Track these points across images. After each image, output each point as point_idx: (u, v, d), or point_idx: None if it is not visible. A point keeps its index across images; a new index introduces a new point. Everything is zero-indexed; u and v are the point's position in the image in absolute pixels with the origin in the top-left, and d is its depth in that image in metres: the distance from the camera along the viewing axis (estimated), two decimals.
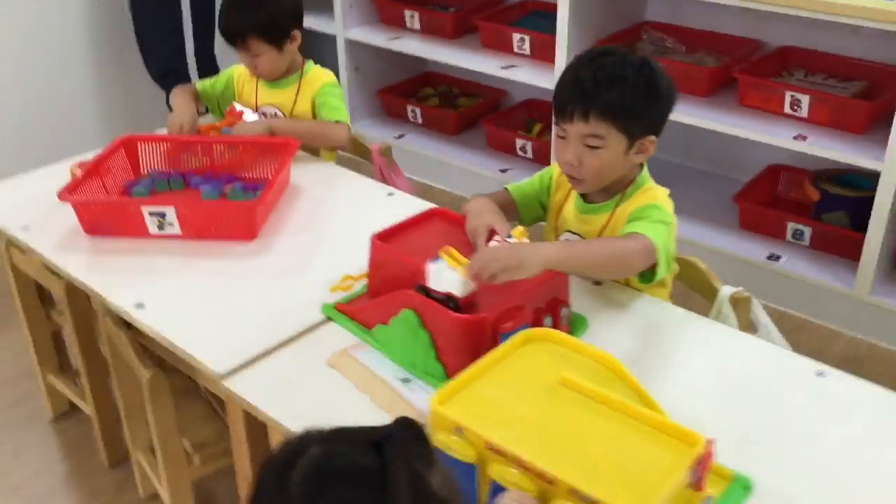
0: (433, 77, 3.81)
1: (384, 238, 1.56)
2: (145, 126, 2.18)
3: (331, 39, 3.55)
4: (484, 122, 3.42)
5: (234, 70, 2.32)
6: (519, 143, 3.30)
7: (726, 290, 1.69)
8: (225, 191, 1.95)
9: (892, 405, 1.34)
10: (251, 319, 1.57)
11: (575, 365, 1.24)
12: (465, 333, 1.35)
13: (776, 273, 2.65)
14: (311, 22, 3.61)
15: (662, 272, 1.52)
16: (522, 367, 1.25)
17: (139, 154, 2.06)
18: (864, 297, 2.52)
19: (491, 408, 1.17)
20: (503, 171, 3.27)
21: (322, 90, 2.18)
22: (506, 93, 3.57)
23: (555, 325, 1.44)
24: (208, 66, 3.27)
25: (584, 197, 1.66)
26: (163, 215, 1.79)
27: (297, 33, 2.15)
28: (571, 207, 1.68)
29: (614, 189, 1.62)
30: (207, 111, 2.36)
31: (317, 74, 2.21)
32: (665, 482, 1.03)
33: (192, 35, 3.30)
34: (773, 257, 2.69)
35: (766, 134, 2.60)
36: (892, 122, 2.31)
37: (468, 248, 1.52)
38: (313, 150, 2.23)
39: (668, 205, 1.61)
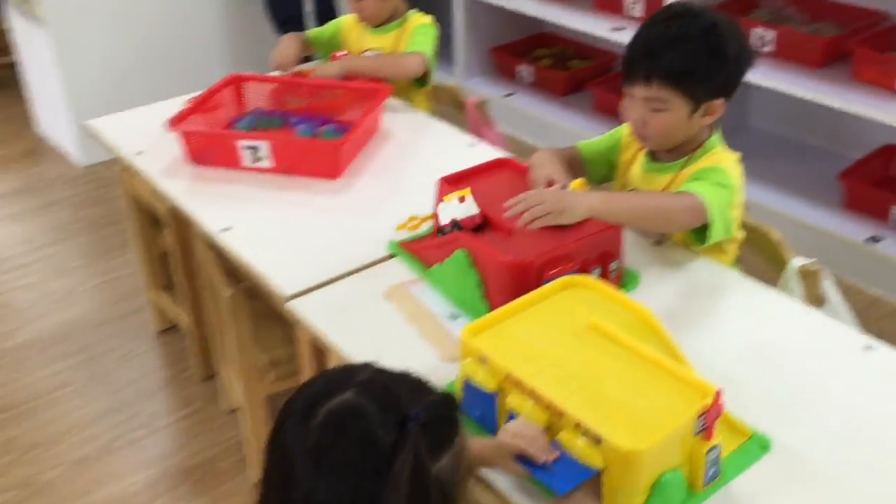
0: (549, 38, 3.81)
1: (450, 182, 1.63)
2: (264, 70, 2.33)
3: None
4: (592, 84, 3.41)
5: (343, 19, 2.43)
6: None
7: (796, 262, 1.67)
8: (319, 131, 2.06)
9: None
10: (322, 250, 1.68)
11: (610, 313, 1.28)
12: (511, 276, 1.41)
13: (874, 256, 2.55)
14: None
15: (718, 234, 1.51)
16: (557, 309, 1.30)
17: (245, 92, 2.20)
18: None
19: (518, 343, 1.23)
20: None
21: (414, 30, 2.26)
22: (616, 56, 3.53)
23: (603, 277, 1.47)
24: (327, 17, 3.40)
25: (652, 156, 1.67)
26: (256, 149, 1.92)
27: None
28: (638, 166, 1.69)
29: (682, 150, 1.63)
30: (318, 57, 2.49)
31: (416, 19, 2.29)
32: (666, 425, 1.07)
33: None
34: (874, 239, 2.59)
35: (881, 111, 2.49)
36: None
37: None
38: (408, 98, 2.31)
39: (732, 169, 1.60)
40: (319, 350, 1.57)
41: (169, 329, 2.52)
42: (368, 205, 1.84)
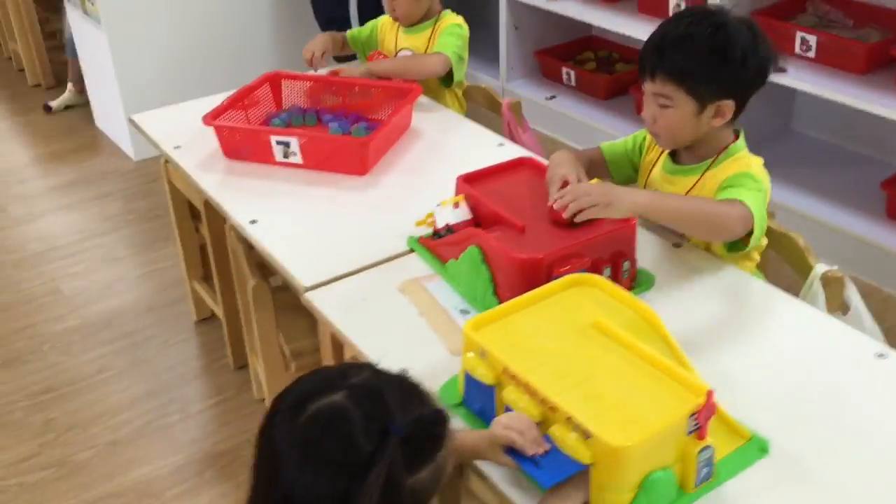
0: (595, 41, 3.80)
1: (468, 180, 1.65)
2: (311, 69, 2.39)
3: None
4: (635, 88, 3.39)
5: (381, 19, 2.47)
6: None
7: (820, 268, 1.65)
8: (350, 129, 2.11)
9: None
10: (344, 244, 1.72)
11: (615, 313, 1.29)
12: (521, 272, 1.43)
13: None
14: None
15: (756, 240, 1.51)
16: (562, 306, 1.31)
17: (283, 90, 2.26)
18: None
19: (519, 338, 1.25)
20: None
21: (444, 30, 2.28)
22: None
23: (615, 277, 1.48)
24: (370, 17, 3.45)
25: (674, 159, 1.67)
26: (287, 144, 1.97)
27: None
28: (660, 168, 1.69)
29: (704, 153, 1.62)
30: (357, 57, 2.53)
31: (448, 19, 2.31)
32: (657, 423, 1.07)
33: None
34: None
35: None
36: None
37: (546, 196, 1.58)
38: (439, 98, 2.34)
39: (762, 174, 1.59)
40: (339, 342, 1.61)
41: (207, 318, 2.59)
42: (393, 201, 1.88)
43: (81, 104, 4.00)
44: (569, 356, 1.21)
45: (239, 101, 2.13)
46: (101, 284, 2.81)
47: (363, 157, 1.95)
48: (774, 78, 2.62)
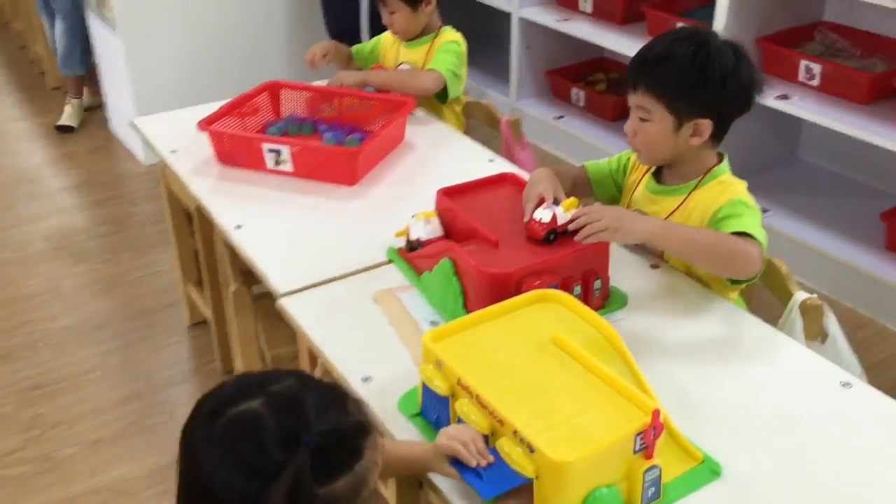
0: (606, 63, 3.81)
1: (448, 193, 1.66)
2: (317, 79, 2.41)
3: (506, 17, 3.66)
4: None
5: (384, 35, 2.50)
6: None
7: (800, 296, 1.64)
8: (345, 139, 2.12)
9: None
10: (325, 252, 1.73)
11: (577, 330, 1.29)
12: (490, 286, 1.43)
13: None
14: None
15: (759, 274, 1.50)
16: (524, 321, 1.32)
17: (282, 99, 2.29)
18: None
19: (477, 351, 1.25)
20: None
21: (441, 46, 2.30)
22: None
23: (585, 295, 1.48)
24: (379, 32, 3.48)
25: (657, 179, 1.67)
26: (278, 152, 1.99)
27: None
28: (643, 188, 1.69)
29: (687, 174, 1.62)
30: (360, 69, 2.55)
31: (446, 35, 2.33)
32: (601, 440, 1.07)
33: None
34: None
35: None
36: None
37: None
38: (436, 112, 2.35)
39: (751, 199, 1.59)
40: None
41: (201, 323, 2.60)
42: (378, 212, 1.89)
43: (95, 106, 4.04)
44: (524, 370, 1.21)
45: (236, 108, 2.16)
46: (101, 285, 2.84)
47: (352, 167, 1.96)
48: (778, 105, 2.65)
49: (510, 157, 2.32)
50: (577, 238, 1.47)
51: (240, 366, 2.06)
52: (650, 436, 1.08)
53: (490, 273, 1.43)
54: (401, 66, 2.39)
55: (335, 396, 0.94)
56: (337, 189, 1.97)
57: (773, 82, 2.74)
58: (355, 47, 2.52)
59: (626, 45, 3.20)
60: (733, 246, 1.46)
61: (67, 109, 3.95)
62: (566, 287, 1.45)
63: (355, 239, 1.77)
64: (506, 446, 1.09)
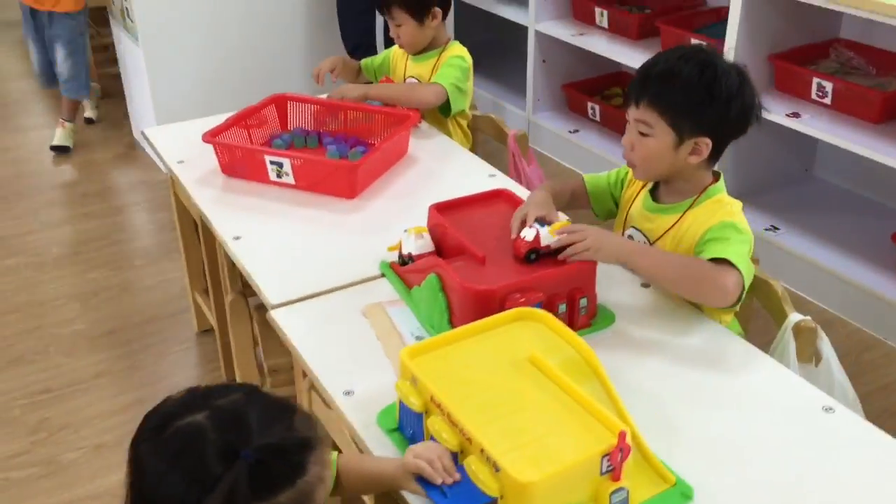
0: (624, 77, 3.80)
1: (441, 209, 1.67)
2: (324, 93, 2.44)
3: (523, 31, 3.67)
4: None
5: (394, 49, 2.52)
6: None
7: (794, 318, 1.62)
8: (348, 152, 2.14)
9: (893, 452, 1.25)
10: (319, 265, 1.74)
11: (555, 349, 1.29)
12: (474, 302, 1.44)
13: None
14: (506, 12, 3.75)
15: (742, 300, 1.50)
16: (503, 339, 1.32)
17: (288, 111, 2.32)
18: None
19: (453, 367, 1.26)
20: None
21: (446, 61, 2.31)
22: None
23: (570, 313, 1.48)
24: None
25: (654, 196, 1.67)
26: (280, 165, 2.01)
27: (438, 11, 2.29)
28: (639, 205, 1.69)
29: (682, 192, 1.62)
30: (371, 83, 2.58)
31: (452, 50, 2.35)
32: (567, 460, 1.07)
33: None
34: None
35: None
36: None
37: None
38: (440, 126, 2.37)
39: (744, 221, 1.58)
40: None
41: (208, 330, 2.64)
42: (376, 225, 1.90)
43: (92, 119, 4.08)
44: (498, 388, 1.22)
45: (242, 121, 2.19)
46: (113, 291, 2.89)
47: (352, 180, 1.98)
48: (789, 123, 2.62)
49: (517, 171, 2.33)
50: (560, 257, 1.47)
51: (238, 374, 2.09)
52: (616, 457, 1.08)
53: (474, 290, 1.43)
54: (408, 80, 2.40)
55: (281, 411, 0.95)
56: (337, 202, 1.99)
57: (785, 100, 2.73)
58: (365, 60, 2.55)
59: (640, 59, 3.13)
60: (707, 273, 1.46)
61: (59, 132, 3.92)
62: (551, 305, 1.45)
63: (351, 252, 1.79)
64: (473, 465, 1.10)
